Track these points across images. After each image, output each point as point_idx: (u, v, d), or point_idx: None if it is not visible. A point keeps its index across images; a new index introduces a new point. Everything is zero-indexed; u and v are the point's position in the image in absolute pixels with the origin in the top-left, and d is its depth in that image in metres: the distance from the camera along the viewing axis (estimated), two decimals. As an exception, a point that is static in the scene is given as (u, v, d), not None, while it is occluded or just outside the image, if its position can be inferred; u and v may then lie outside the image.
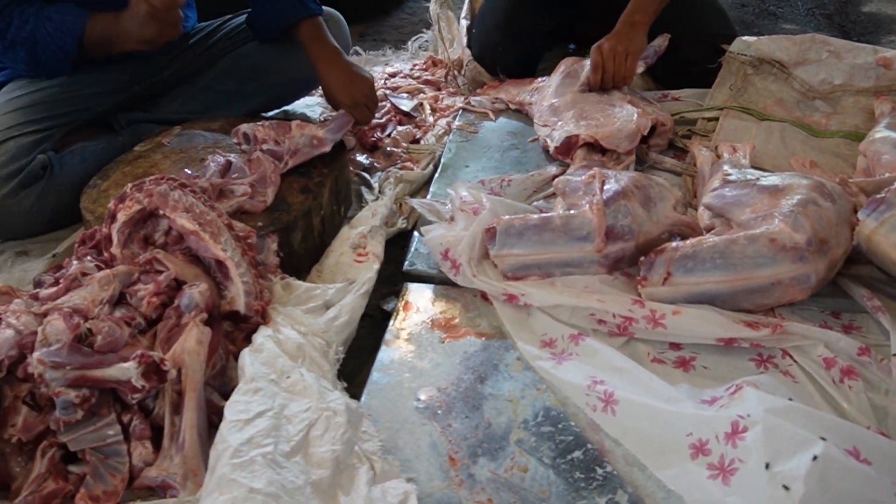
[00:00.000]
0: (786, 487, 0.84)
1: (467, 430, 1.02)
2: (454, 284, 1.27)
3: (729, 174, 1.32)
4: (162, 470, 0.95)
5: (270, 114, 1.87)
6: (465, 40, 2.17)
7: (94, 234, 1.18)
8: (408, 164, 1.78)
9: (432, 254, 1.32)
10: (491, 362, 1.14)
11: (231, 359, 1.08)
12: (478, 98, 1.96)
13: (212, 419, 1.00)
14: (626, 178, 1.27)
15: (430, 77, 2.29)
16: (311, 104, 2.03)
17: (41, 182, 1.49)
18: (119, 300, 1.07)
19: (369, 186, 1.69)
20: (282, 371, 1.02)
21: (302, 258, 1.38)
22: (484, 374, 1.11)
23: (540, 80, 1.91)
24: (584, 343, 1.13)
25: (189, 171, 1.40)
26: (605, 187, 1.26)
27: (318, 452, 0.92)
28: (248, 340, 1.08)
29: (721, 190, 1.29)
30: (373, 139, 1.85)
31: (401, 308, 1.26)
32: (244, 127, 1.48)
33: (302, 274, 1.32)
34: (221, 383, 1.06)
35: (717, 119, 1.70)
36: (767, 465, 0.86)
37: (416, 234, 1.42)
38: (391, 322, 1.23)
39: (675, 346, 1.14)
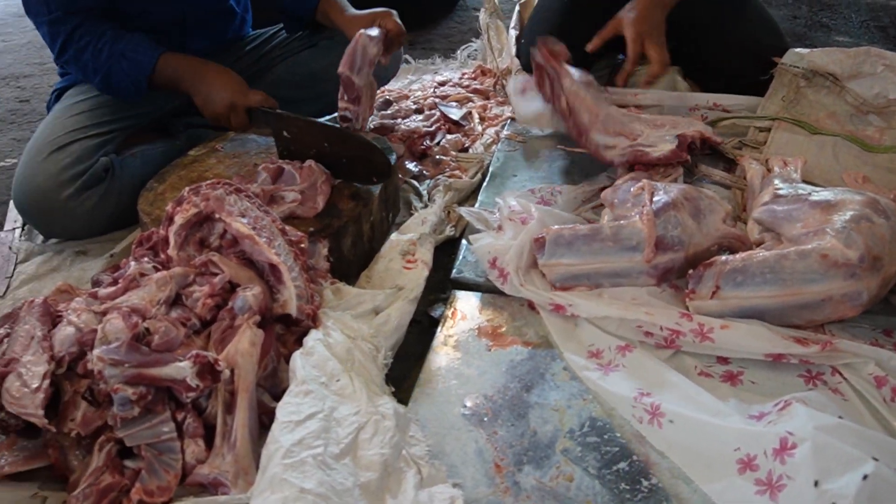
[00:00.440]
0: (835, 505, 0.83)
1: (513, 438, 1.03)
2: (501, 293, 1.28)
3: (780, 188, 1.31)
4: (214, 468, 0.97)
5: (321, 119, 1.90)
6: (513, 50, 2.18)
7: (151, 236, 1.20)
8: (456, 172, 1.80)
9: (480, 262, 1.33)
10: (537, 371, 1.14)
11: (282, 361, 1.10)
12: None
13: (262, 420, 1.02)
14: (675, 190, 1.27)
15: (478, 86, 2.31)
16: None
17: (103, 184, 1.53)
18: (175, 301, 1.10)
19: (418, 194, 1.71)
20: (332, 374, 1.03)
21: (351, 263, 1.40)
22: (530, 383, 1.12)
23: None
24: (631, 355, 1.13)
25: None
26: (655, 198, 1.25)
27: (366, 455, 0.93)
28: (298, 343, 1.10)
29: (772, 204, 1.28)
30: (422, 147, 1.88)
31: (449, 315, 1.27)
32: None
33: (351, 279, 1.34)
34: (272, 385, 1.08)
35: (768, 130, 1.68)
36: (816, 483, 0.86)
37: (464, 242, 1.44)
38: (439, 329, 1.24)
39: (723, 360, 1.13)
